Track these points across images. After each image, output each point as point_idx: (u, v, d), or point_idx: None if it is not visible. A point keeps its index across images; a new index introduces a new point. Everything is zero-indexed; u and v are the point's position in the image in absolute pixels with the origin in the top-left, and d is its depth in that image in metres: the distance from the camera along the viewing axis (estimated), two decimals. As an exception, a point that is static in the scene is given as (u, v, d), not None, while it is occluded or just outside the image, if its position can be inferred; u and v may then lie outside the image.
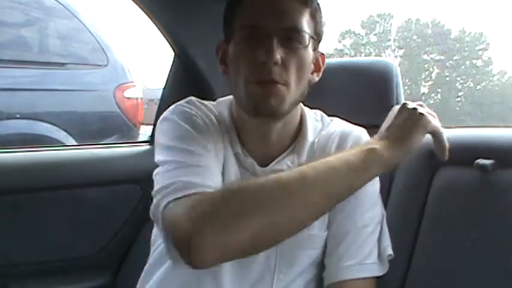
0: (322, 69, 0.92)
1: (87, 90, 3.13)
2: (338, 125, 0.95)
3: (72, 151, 1.60)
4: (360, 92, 1.15)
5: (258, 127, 0.89)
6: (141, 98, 3.28)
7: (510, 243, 0.85)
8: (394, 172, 1.05)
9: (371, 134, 0.92)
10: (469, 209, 0.91)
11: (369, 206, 0.88)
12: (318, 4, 0.89)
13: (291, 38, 0.82)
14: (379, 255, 0.87)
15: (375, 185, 0.90)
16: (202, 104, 0.94)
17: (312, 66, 0.89)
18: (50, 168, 1.35)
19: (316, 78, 0.91)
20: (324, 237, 0.88)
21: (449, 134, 1.03)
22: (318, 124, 0.95)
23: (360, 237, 0.86)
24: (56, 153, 1.48)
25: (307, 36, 0.84)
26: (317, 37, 0.88)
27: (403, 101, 1.13)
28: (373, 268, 0.86)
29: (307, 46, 0.84)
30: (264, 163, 0.89)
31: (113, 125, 3.11)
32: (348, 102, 1.16)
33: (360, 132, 0.93)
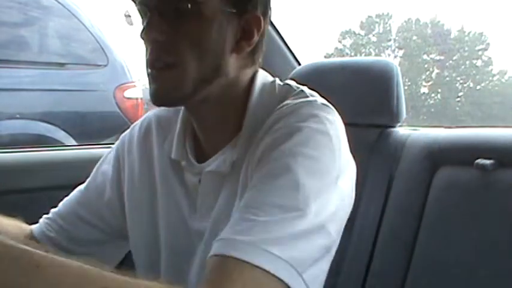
0: (256, 34, 0.73)
1: (87, 90, 3.13)
2: (291, 103, 0.73)
3: (72, 151, 1.60)
4: (360, 91, 1.15)
5: (192, 116, 0.78)
6: (141, 98, 3.28)
7: (510, 243, 0.85)
8: (394, 172, 1.05)
9: (371, 133, 0.92)
10: (469, 209, 0.91)
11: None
12: None
13: (177, 9, 0.68)
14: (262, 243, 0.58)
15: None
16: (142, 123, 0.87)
17: (232, 34, 0.71)
18: (50, 168, 1.34)
19: (247, 47, 0.73)
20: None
21: (449, 134, 1.03)
22: (269, 107, 0.74)
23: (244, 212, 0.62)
24: (56, 153, 1.48)
25: (199, 5, 0.68)
26: (224, 3, 0.70)
27: (403, 101, 1.14)
28: (244, 249, 0.57)
29: (202, 16, 0.68)
30: (208, 157, 0.76)
31: (113, 125, 3.11)
32: (348, 102, 1.15)
33: (296, 117, 0.68)
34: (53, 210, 0.93)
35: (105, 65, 3.14)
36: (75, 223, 0.88)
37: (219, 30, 0.70)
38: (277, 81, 0.80)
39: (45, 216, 0.92)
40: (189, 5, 0.68)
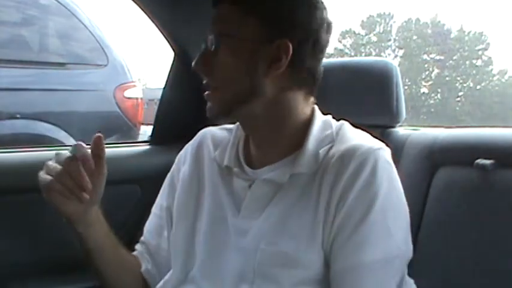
0: (284, 58, 0.83)
1: (87, 90, 3.13)
2: (345, 141, 0.86)
3: (72, 151, 1.59)
4: (360, 92, 1.15)
5: (245, 130, 0.93)
6: (141, 98, 3.28)
7: (510, 243, 0.85)
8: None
9: (371, 134, 0.92)
10: (469, 209, 0.91)
11: (379, 236, 0.79)
12: None
13: (216, 43, 0.84)
14: None
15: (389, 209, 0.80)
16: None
17: (264, 60, 0.83)
18: (50, 168, 1.34)
19: (276, 70, 0.83)
20: (315, 259, 0.80)
21: (449, 134, 1.03)
22: (327, 134, 0.88)
23: (363, 274, 0.78)
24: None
25: (231, 39, 0.84)
26: (264, 29, 0.83)
27: (403, 101, 1.14)
28: None
29: (232, 47, 0.83)
30: (263, 166, 0.88)
31: (113, 125, 3.11)
32: (348, 102, 1.16)
33: (368, 151, 0.82)
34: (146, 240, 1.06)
35: (105, 65, 3.14)
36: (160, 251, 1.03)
37: (249, 58, 0.84)
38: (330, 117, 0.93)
39: (140, 249, 1.05)
40: (222, 39, 0.84)
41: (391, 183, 0.81)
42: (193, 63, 0.87)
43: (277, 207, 0.84)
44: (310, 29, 0.84)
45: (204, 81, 0.88)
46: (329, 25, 0.88)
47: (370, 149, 0.82)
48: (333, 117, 0.93)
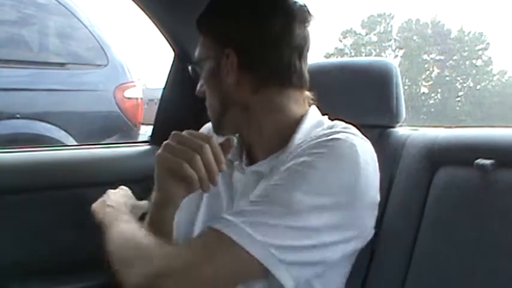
0: (230, 66, 0.88)
1: (87, 90, 3.13)
2: (326, 129, 0.88)
3: (72, 151, 1.59)
4: (360, 92, 1.15)
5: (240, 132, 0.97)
6: (141, 98, 3.28)
7: (510, 243, 0.85)
8: (394, 172, 1.05)
9: (371, 134, 0.92)
10: (469, 209, 0.91)
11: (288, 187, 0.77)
12: (212, 18, 0.92)
13: (195, 71, 0.96)
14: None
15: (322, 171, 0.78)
16: None
17: (227, 69, 0.88)
18: (50, 168, 1.35)
19: (232, 78, 0.88)
20: None
21: (449, 134, 1.03)
22: (317, 129, 0.89)
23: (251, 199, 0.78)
24: (56, 153, 1.48)
25: (201, 64, 0.93)
26: (219, 43, 0.89)
27: (403, 101, 1.14)
28: (229, 226, 0.74)
29: (202, 70, 0.93)
30: (255, 162, 0.94)
31: (113, 125, 3.11)
32: (348, 102, 1.16)
33: (332, 136, 0.81)
34: None
35: (105, 65, 3.14)
36: None
37: (214, 74, 0.90)
38: (327, 117, 0.95)
39: None
40: (196, 66, 0.94)
41: (337, 165, 0.78)
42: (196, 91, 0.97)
43: (257, 191, 0.84)
44: (247, 28, 0.87)
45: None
46: (286, 12, 0.87)
47: (334, 134, 0.82)
48: (334, 118, 0.94)
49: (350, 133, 0.83)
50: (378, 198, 0.86)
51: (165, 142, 0.82)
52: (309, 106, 0.94)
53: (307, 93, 0.94)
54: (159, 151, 0.82)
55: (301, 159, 0.79)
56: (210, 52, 0.91)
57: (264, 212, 0.74)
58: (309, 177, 0.77)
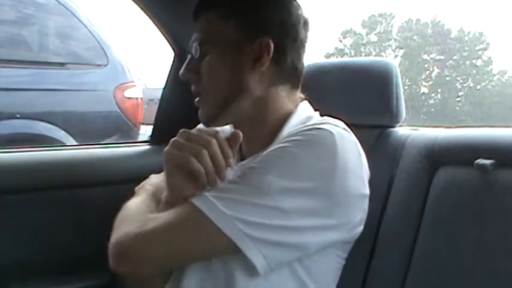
0: (266, 56, 0.87)
1: (87, 90, 3.13)
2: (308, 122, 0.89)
3: (72, 151, 1.59)
4: (360, 92, 1.15)
5: (236, 128, 0.95)
6: (141, 98, 3.28)
7: (510, 243, 0.85)
8: (394, 172, 1.05)
9: (371, 134, 0.92)
10: (469, 209, 0.91)
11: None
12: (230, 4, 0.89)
13: (200, 50, 0.90)
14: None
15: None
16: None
17: (247, 58, 0.87)
18: (50, 168, 1.34)
19: (261, 67, 0.88)
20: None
21: (449, 134, 1.03)
22: (303, 125, 0.89)
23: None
24: (56, 153, 1.47)
25: (212, 46, 0.89)
26: (244, 29, 0.87)
27: (403, 101, 1.14)
28: (203, 201, 0.78)
29: (215, 52, 0.89)
30: (246, 158, 0.94)
31: (113, 125, 3.11)
32: (348, 102, 1.16)
33: (312, 127, 0.83)
34: None
35: (105, 65, 3.14)
36: None
37: (233, 59, 0.88)
38: (318, 113, 0.95)
39: None
40: (204, 46, 0.89)
41: (316, 154, 0.80)
42: (180, 73, 0.92)
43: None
44: (288, 26, 0.89)
45: (193, 88, 0.93)
46: (306, 22, 0.93)
47: (316, 125, 0.84)
48: (334, 118, 0.94)
49: (332, 124, 0.84)
50: (364, 191, 0.86)
51: (172, 139, 0.83)
52: (301, 102, 0.95)
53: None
54: (167, 148, 0.82)
55: (280, 145, 0.82)
56: (234, 35, 0.88)
57: (236, 190, 0.78)
58: (283, 161, 0.79)
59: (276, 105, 0.92)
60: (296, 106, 0.93)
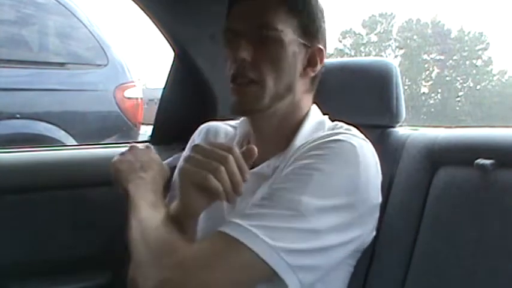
0: (319, 63, 0.91)
1: (87, 90, 3.13)
2: (327, 130, 0.90)
3: (72, 151, 1.59)
4: (360, 92, 1.15)
5: (253, 126, 0.94)
6: (141, 98, 3.28)
7: (510, 243, 0.85)
8: (394, 172, 1.05)
9: (371, 134, 0.92)
10: (469, 209, 0.91)
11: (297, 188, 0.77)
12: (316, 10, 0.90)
13: (262, 35, 0.84)
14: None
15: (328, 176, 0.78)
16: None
17: (301, 61, 0.88)
18: (50, 168, 1.34)
19: (311, 73, 0.91)
20: None
21: (449, 134, 1.03)
22: (318, 131, 0.91)
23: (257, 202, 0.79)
24: (56, 153, 1.47)
25: (279, 33, 0.84)
26: (304, 32, 0.87)
27: (403, 101, 1.14)
28: (238, 230, 0.74)
29: (282, 42, 0.84)
30: (257, 164, 0.89)
31: (113, 125, 3.11)
32: (347, 102, 1.16)
33: (333, 138, 0.82)
34: None
35: (105, 65, 3.14)
36: None
37: (293, 56, 0.86)
38: (327, 117, 0.96)
39: None
40: (270, 32, 0.84)
41: (341, 169, 0.79)
42: (239, 53, 0.84)
43: (258, 195, 0.84)
44: (325, 36, 0.93)
45: (235, 72, 0.86)
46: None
47: (335, 135, 0.83)
48: (334, 118, 0.95)
49: (350, 134, 0.84)
50: (379, 199, 0.87)
51: (187, 155, 0.80)
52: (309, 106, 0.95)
53: None
54: (183, 164, 0.80)
55: (304, 161, 0.80)
56: (301, 37, 0.87)
57: (272, 215, 0.74)
58: (314, 179, 0.77)
59: (301, 112, 0.93)
60: (307, 111, 0.94)
